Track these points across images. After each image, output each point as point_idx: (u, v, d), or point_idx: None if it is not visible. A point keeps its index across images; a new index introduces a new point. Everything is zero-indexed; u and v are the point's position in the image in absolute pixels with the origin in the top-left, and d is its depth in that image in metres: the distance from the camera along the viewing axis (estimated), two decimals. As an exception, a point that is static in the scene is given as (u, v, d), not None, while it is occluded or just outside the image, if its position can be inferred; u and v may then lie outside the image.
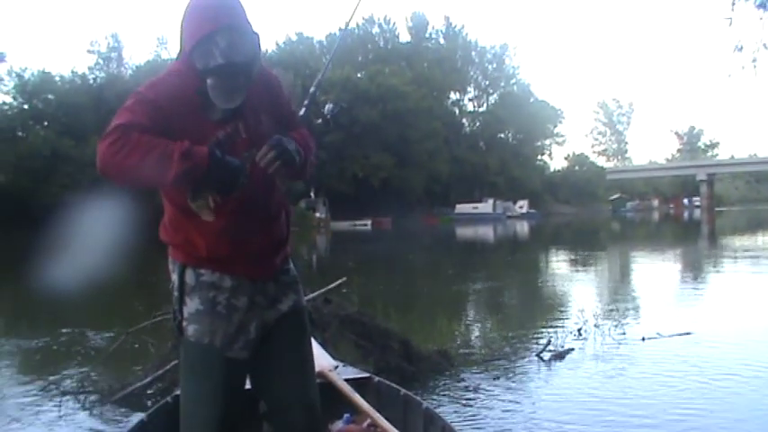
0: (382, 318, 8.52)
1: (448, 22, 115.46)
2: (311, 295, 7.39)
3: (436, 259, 29.57)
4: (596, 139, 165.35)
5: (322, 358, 4.97)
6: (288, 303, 3.09)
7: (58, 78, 71.89)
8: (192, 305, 2.92)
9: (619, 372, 7.58)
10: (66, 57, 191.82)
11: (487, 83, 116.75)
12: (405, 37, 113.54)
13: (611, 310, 11.76)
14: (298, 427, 3.07)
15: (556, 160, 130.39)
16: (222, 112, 2.76)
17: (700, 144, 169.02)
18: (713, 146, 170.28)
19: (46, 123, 65.17)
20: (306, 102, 3.48)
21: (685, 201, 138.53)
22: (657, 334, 9.27)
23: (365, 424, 4.39)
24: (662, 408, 6.23)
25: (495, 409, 6.34)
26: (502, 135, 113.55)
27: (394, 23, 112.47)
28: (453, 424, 4.52)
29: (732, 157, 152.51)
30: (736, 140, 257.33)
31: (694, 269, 21.19)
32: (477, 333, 11.09)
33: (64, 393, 7.11)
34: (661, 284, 16.66)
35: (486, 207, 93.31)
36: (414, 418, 4.43)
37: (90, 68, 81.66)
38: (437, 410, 4.52)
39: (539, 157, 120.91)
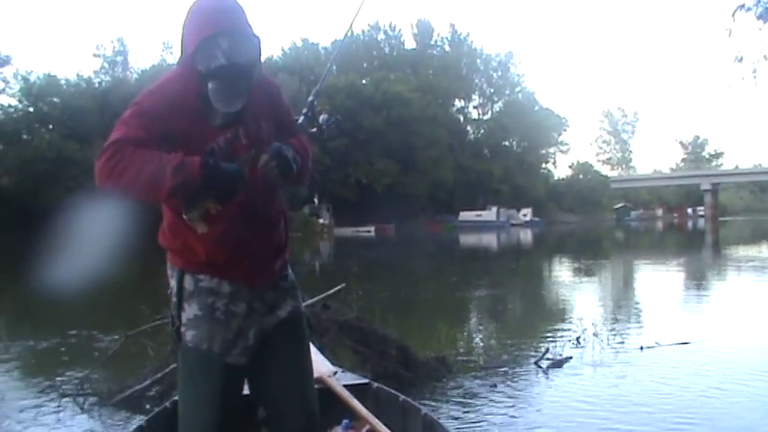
0: (381, 324, 8.53)
1: (453, 30, 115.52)
2: (310, 301, 7.40)
3: (439, 266, 29.62)
4: (601, 148, 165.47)
5: (321, 364, 4.95)
6: (286, 309, 3.10)
7: (63, 82, 72.06)
8: (190, 311, 2.93)
9: (616, 380, 7.59)
10: (71, 60, 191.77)
11: (492, 90, 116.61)
12: (410, 44, 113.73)
13: (611, 319, 11.77)
14: None
15: (560, 168, 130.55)
16: (223, 117, 2.76)
17: (704, 154, 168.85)
18: (718, 155, 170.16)
19: (51, 126, 65.33)
20: (304, 110, 3.50)
21: (689, 210, 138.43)
22: (656, 343, 9.28)
23: (364, 430, 4.37)
24: (658, 417, 6.24)
25: (494, 416, 6.36)
26: (506, 143, 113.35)
27: (399, 30, 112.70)
28: (452, 431, 4.53)
29: (736, 166, 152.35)
30: (740, 150, 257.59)
31: (697, 279, 21.15)
32: (475, 340, 11.11)
33: (63, 395, 7.17)
34: (662, 294, 16.64)
35: (489, 215, 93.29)
36: (413, 425, 4.41)
37: (95, 72, 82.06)
38: (436, 417, 4.53)
39: (543, 165, 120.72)
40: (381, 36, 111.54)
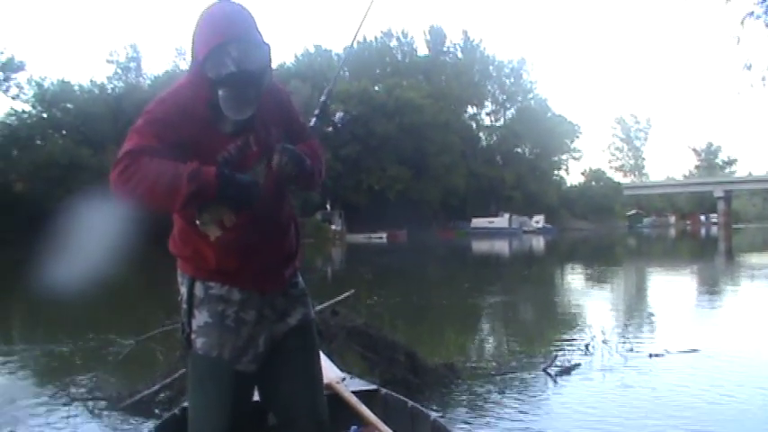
0: (389, 330, 8.55)
1: (466, 36, 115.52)
2: (319, 307, 7.42)
3: (450, 273, 29.55)
4: (613, 155, 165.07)
5: (329, 370, 4.97)
6: (297, 317, 3.10)
7: (76, 88, 72.33)
8: (200, 318, 2.94)
9: (624, 388, 7.58)
10: (85, 66, 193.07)
11: (505, 97, 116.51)
12: (423, 50, 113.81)
13: (621, 326, 11.75)
14: None
15: (572, 175, 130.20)
16: (233, 125, 2.77)
17: (717, 161, 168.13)
18: (731, 162, 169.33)
19: (64, 132, 65.47)
20: (317, 111, 3.51)
21: (702, 217, 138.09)
22: (665, 351, 9.26)
23: (373, 436, 4.37)
24: (666, 425, 6.24)
25: (502, 422, 6.36)
26: (519, 149, 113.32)
27: (412, 37, 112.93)
28: None
29: (750, 173, 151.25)
30: (753, 157, 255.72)
31: (708, 286, 21.06)
32: (485, 346, 11.13)
33: (74, 399, 7.21)
34: (673, 301, 16.59)
35: (502, 221, 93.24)
36: (421, 431, 4.42)
37: (108, 78, 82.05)
38: (444, 423, 4.53)
39: (555, 172, 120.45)
40: (394, 42, 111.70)
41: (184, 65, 78.33)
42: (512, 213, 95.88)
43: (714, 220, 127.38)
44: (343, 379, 5.09)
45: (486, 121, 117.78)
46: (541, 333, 11.79)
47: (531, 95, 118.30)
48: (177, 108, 2.75)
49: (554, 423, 6.41)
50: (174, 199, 2.56)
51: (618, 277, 25.74)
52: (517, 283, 23.41)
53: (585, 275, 26.63)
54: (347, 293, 8.27)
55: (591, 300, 17.61)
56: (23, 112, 67.09)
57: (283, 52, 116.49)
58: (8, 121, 65.24)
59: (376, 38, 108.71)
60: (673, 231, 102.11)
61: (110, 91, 76.30)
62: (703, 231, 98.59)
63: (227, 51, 2.66)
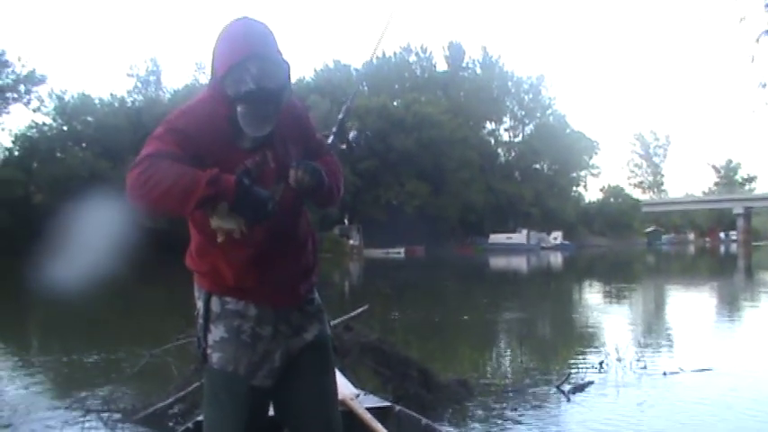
0: (403, 345, 8.59)
1: (485, 52, 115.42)
2: (333, 323, 7.42)
3: (468, 289, 29.48)
4: (632, 171, 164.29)
5: (344, 386, 4.95)
6: (313, 333, 3.09)
7: (97, 101, 72.83)
8: (216, 333, 2.94)
9: (637, 406, 7.57)
10: (105, 80, 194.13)
11: (523, 113, 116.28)
12: (441, 66, 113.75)
13: (636, 344, 11.69)
14: None
15: (591, 192, 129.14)
16: (251, 141, 2.78)
17: (737, 177, 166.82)
18: (750, 179, 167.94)
19: (84, 145, 65.76)
20: (334, 129, 3.52)
21: (722, 234, 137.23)
22: (679, 369, 9.25)
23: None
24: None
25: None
26: (537, 166, 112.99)
27: (431, 52, 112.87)
28: None
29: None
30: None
31: (726, 304, 20.95)
32: (499, 363, 11.12)
33: (88, 411, 7.25)
34: (689, 319, 16.51)
35: (520, 237, 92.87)
36: None
37: (129, 92, 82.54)
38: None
39: (574, 188, 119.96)
40: (413, 58, 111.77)
41: (204, 79, 78.63)
42: (530, 229, 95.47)
43: (734, 237, 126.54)
44: (358, 395, 5.10)
45: (505, 136, 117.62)
46: (556, 350, 11.78)
47: (549, 111, 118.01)
48: (197, 121, 2.77)
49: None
50: (190, 200, 2.55)
51: (635, 294, 25.61)
52: (534, 300, 23.38)
53: (603, 292, 26.55)
54: (361, 309, 8.30)
55: (607, 317, 17.57)
56: (44, 124, 67.66)
57: (302, 67, 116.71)
58: (29, 134, 65.77)
59: (395, 53, 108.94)
60: (692, 248, 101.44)
61: (130, 104, 76.68)
62: (723, 248, 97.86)
63: (247, 68, 2.67)
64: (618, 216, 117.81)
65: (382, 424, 4.61)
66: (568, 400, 7.91)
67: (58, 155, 64.21)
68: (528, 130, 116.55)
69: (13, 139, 65.73)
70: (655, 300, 23.33)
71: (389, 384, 7.22)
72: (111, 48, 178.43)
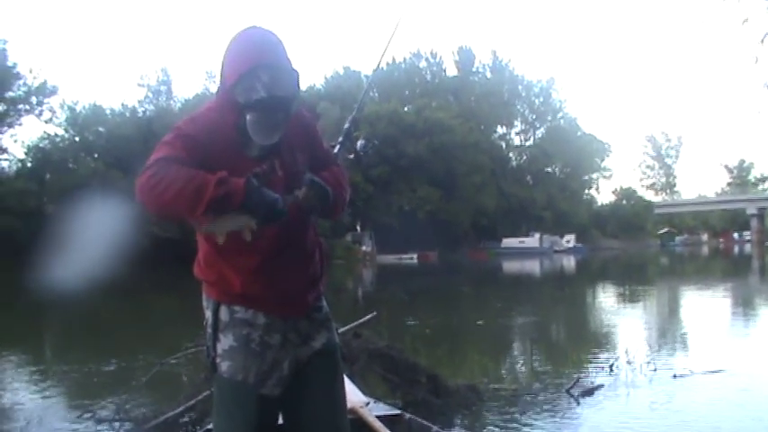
0: (412, 352, 8.60)
1: (495, 57, 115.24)
2: (341, 330, 7.43)
3: (481, 294, 29.45)
4: (644, 173, 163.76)
5: (353, 394, 4.98)
6: (321, 341, 3.10)
7: (108, 111, 72.77)
8: (225, 342, 2.95)
9: (648, 409, 7.57)
10: (116, 90, 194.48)
11: (534, 117, 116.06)
12: (452, 71, 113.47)
13: (646, 346, 11.68)
14: None
15: (603, 194, 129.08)
16: (260, 149, 2.80)
17: (750, 178, 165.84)
18: (764, 179, 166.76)
19: (96, 155, 65.77)
20: (340, 138, 3.54)
21: (735, 235, 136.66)
22: (689, 371, 9.21)
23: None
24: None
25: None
26: (549, 169, 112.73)
27: (441, 58, 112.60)
28: None
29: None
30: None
31: (739, 305, 20.83)
32: (509, 367, 11.12)
33: (99, 421, 7.34)
34: (701, 320, 16.47)
35: (532, 241, 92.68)
36: None
37: (140, 102, 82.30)
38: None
39: (586, 191, 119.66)
40: (423, 63, 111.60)
41: (214, 88, 77.96)
42: (542, 233, 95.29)
43: (747, 237, 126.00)
44: (367, 403, 5.11)
45: (516, 140, 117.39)
46: (567, 353, 11.73)
47: (560, 115, 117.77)
48: (206, 128, 2.79)
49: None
50: (199, 202, 2.54)
51: (648, 297, 25.50)
52: (547, 304, 23.36)
53: (616, 295, 26.50)
54: (370, 315, 8.30)
55: (619, 319, 17.53)
56: (56, 135, 67.59)
57: (312, 74, 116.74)
58: (41, 145, 65.83)
59: (405, 59, 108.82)
60: (705, 249, 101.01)
61: (141, 114, 76.53)
62: (736, 249, 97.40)
63: (258, 76, 2.70)
64: (631, 218, 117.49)
65: (392, 432, 4.57)
66: (578, 403, 7.91)
67: (71, 165, 64.12)
68: (539, 133, 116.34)
69: (25, 150, 65.83)
70: (667, 302, 23.24)
71: (398, 390, 7.24)
72: (122, 58, 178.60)
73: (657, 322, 16.97)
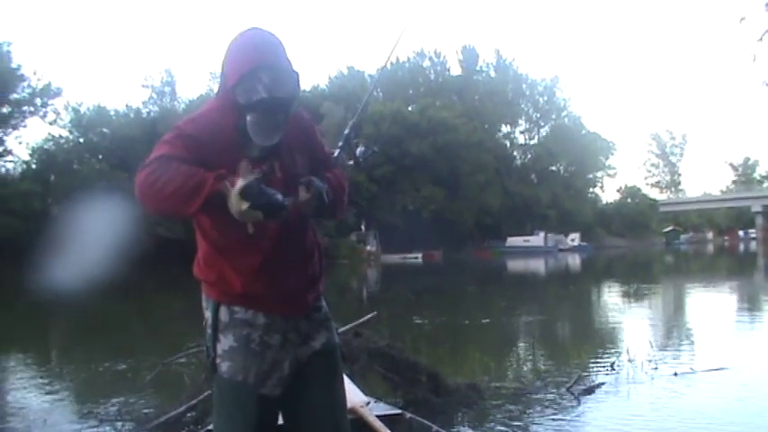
0: (413, 351, 8.60)
1: (498, 56, 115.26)
2: (342, 329, 7.43)
3: (486, 293, 29.43)
4: (649, 171, 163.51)
5: (353, 394, 4.98)
6: (320, 341, 3.11)
7: (112, 112, 72.95)
8: (225, 342, 2.95)
9: (649, 407, 7.56)
10: (120, 91, 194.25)
11: (538, 115, 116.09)
12: (455, 70, 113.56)
13: (648, 344, 11.60)
14: None
15: (608, 193, 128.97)
16: (259, 150, 2.80)
17: (755, 175, 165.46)
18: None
19: (101, 156, 65.86)
20: (340, 143, 3.55)
21: (740, 233, 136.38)
22: (691, 369, 9.22)
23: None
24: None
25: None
26: (553, 168, 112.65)
27: (444, 57, 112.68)
28: None
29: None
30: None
31: (743, 303, 20.80)
32: (511, 366, 11.09)
33: (102, 421, 7.35)
34: (705, 318, 16.46)
35: (537, 240, 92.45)
36: None
37: (144, 103, 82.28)
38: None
39: (591, 189, 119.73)
40: (427, 63, 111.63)
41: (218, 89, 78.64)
42: (547, 232, 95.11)
43: (753, 235, 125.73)
44: (368, 403, 5.11)
45: (521, 139, 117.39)
46: (569, 352, 11.71)
47: (564, 113, 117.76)
48: (207, 128, 2.80)
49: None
50: (198, 197, 2.56)
51: (652, 295, 25.44)
52: (551, 302, 23.32)
53: (620, 293, 26.46)
54: (370, 315, 8.31)
55: (622, 317, 17.53)
56: (60, 137, 67.54)
57: (317, 74, 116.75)
58: (46, 147, 65.83)
59: (408, 58, 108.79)
60: (710, 247, 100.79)
61: (145, 115, 76.56)
62: (742, 247, 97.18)
63: (259, 77, 2.72)
64: (635, 216, 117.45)
65: (393, 432, 4.57)
66: (579, 401, 7.90)
67: (75, 167, 64.07)
68: (543, 132, 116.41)
69: (30, 152, 65.82)
70: (671, 300, 23.20)
71: (399, 390, 7.25)
72: (126, 59, 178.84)
73: (660, 320, 16.94)
